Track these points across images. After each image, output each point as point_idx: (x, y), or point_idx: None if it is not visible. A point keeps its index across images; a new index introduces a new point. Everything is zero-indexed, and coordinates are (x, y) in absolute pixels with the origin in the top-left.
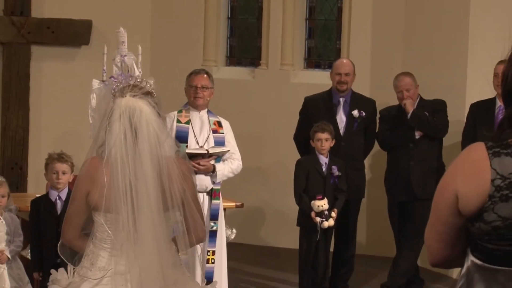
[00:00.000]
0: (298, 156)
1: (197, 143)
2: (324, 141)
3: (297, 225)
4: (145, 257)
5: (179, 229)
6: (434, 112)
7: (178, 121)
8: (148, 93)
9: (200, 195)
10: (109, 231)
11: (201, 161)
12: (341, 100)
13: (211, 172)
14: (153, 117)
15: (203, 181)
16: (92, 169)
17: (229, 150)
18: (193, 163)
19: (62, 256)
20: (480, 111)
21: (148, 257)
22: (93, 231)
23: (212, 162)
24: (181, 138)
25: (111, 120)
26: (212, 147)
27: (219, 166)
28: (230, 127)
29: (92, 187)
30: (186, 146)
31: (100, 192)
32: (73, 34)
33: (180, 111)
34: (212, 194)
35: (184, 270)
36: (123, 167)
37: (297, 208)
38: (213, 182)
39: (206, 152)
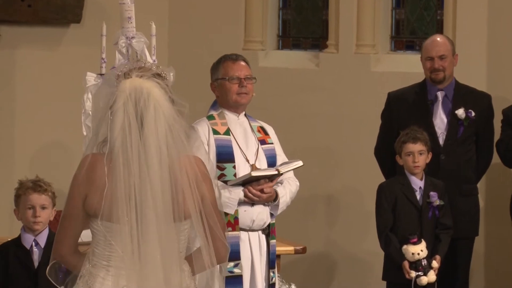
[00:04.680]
0: (381, 179)
1: (247, 160)
2: (417, 156)
3: (383, 279)
4: (149, 280)
5: (196, 245)
6: None
7: (215, 132)
8: (158, 75)
9: (255, 235)
10: (111, 246)
11: (265, 187)
12: (439, 94)
13: (273, 200)
14: (165, 103)
15: (262, 215)
16: (91, 168)
17: (302, 166)
18: (255, 191)
19: (50, 278)
20: None
21: (153, 279)
22: (91, 246)
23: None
24: (225, 155)
25: (114, 109)
26: (282, 164)
27: (281, 191)
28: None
29: (90, 190)
30: (234, 167)
31: (100, 195)
32: (58, 7)
33: (211, 117)
34: (269, 231)
35: None
36: (127, 166)
37: (381, 254)
38: (271, 215)
39: (276, 173)
